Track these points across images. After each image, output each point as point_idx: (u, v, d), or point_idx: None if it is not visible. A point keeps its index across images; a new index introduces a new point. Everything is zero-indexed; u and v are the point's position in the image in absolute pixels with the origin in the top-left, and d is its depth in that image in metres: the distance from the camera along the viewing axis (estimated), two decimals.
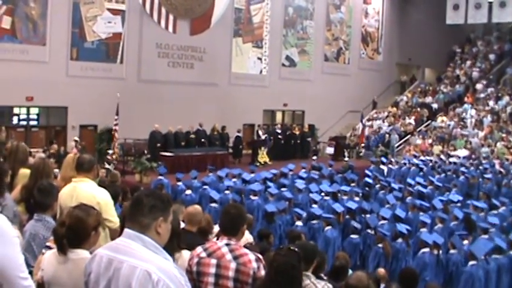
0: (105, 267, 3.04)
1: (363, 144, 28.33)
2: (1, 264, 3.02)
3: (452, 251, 10.47)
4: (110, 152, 20.46)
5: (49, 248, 3.93)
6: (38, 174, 5.61)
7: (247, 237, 8.96)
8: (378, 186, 17.70)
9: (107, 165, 19.96)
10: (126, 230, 3.08)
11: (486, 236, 11.49)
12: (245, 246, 4.55)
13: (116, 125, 20.08)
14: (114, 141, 20.39)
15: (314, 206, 13.66)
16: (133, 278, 2.90)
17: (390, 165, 22.75)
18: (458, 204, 15.29)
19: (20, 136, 21.02)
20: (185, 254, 4.72)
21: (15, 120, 22.45)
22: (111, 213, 5.30)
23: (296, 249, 4.07)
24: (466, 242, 10.93)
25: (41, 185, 4.84)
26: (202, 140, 23.88)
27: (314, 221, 12.49)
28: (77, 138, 21.17)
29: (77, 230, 3.63)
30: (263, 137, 25.24)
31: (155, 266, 2.92)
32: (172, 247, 4.01)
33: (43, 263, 3.74)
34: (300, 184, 16.22)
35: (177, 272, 3.00)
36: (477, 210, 14.24)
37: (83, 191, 5.25)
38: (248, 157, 24.97)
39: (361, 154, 27.68)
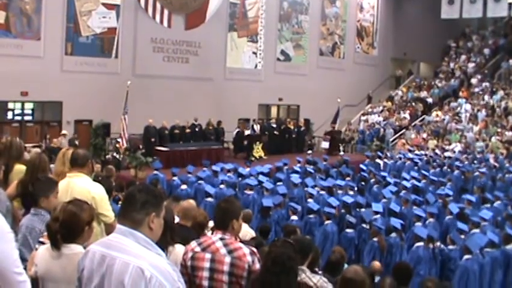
0: (98, 263, 3.04)
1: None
2: None
3: (451, 247, 10.51)
4: (119, 140, 20.37)
5: (42, 243, 3.93)
6: (34, 169, 5.61)
7: (250, 231, 8.98)
8: (372, 180, 17.72)
9: (115, 154, 20.02)
10: (119, 226, 3.08)
11: (479, 230, 11.53)
12: (241, 241, 4.56)
13: (124, 114, 20.03)
14: (122, 130, 20.20)
15: (310, 200, 13.72)
16: (126, 275, 2.91)
17: (385, 160, 22.80)
18: (451, 198, 15.35)
19: (15, 131, 21.03)
20: (178, 248, 4.73)
21: (9, 115, 22.42)
22: (106, 208, 5.30)
23: (291, 241, 4.11)
24: (462, 236, 10.95)
25: (39, 177, 4.89)
26: (197, 129, 23.90)
27: (310, 216, 12.51)
28: (65, 132, 21.18)
29: (71, 225, 3.63)
30: (248, 132, 25.11)
31: (148, 262, 2.93)
32: (165, 241, 4.02)
33: (36, 258, 3.74)
34: (296, 178, 16.24)
35: (170, 268, 3.00)
36: (471, 205, 14.29)
37: (77, 186, 5.24)
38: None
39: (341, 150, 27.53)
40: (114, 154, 20.35)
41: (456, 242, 10.56)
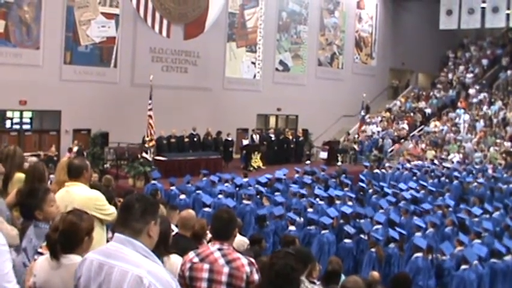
0: (96, 271, 3.05)
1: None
2: None
3: (443, 257, 10.51)
4: (147, 139, 20.13)
5: (41, 254, 3.91)
6: (33, 178, 5.59)
7: (244, 239, 8.96)
8: (371, 190, 17.72)
9: (144, 154, 19.79)
10: (117, 235, 3.10)
11: (479, 241, 11.55)
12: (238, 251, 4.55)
13: (150, 110, 19.89)
14: (150, 129, 19.94)
15: (310, 209, 13.72)
16: (125, 283, 2.91)
17: (383, 170, 22.81)
18: (450, 209, 15.36)
19: (13, 140, 21.03)
20: (174, 258, 4.72)
21: (8, 124, 22.37)
22: (107, 207, 5.30)
23: (293, 252, 4.11)
24: (460, 248, 10.92)
25: (34, 187, 4.85)
26: (195, 139, 23.94)
27: (311, 227, 12.47)
28: (76, 144, 21.46)
29: (70, 235, 3.61)
30: (246, 142, 25.15)
31: (146, 271, 2.93)
32: (159, 251, 4.01)
33: (35, 269, 3.72)
34: (295, 189, 16.25)
35: (169, 277, 3.01)
36: (470, 215, 14.31)
37: (76, 195, 5.22)
38: (237, 161, 25.10)
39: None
40: (144, 154, 19.89)
41: (446, 252, 10.57)
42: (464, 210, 14.81)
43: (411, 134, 31.11)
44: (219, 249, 4.20)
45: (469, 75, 35.64)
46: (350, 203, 14.94)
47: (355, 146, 27.70)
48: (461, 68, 37.19)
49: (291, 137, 27.33)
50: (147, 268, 2.95)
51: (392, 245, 10.84)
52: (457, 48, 40.06)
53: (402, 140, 30.27)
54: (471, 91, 33.83)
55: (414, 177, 20.85)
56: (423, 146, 29.12)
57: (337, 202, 15.15)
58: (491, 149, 27.01)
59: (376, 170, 22.48)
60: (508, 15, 33.25)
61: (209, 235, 6.62)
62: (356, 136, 28.45)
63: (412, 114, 33.28)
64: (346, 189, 17.51)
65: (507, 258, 10.73)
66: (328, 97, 31.77)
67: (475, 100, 32.81)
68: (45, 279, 3.64)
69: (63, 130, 23.34)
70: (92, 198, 5.23)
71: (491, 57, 37.06)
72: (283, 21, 31.37)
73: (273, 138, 26.61)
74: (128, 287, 2.91)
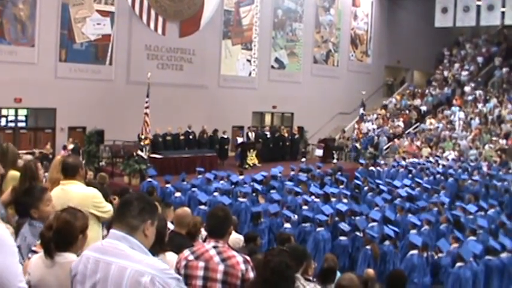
0: (92, 269, 3.04)
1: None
2: (0, 273, 3.01)
3: (440, 255, 10.54)
4: (142, 137, 20.08)
5: (35, 252, 3.90)
6: (27, 176, 5.58)
7: (239, 237, 8.95)
8: (366, 188, 17.74)
9: (139, 152, 19.73)
10: (113, 231, 3.09)
11: (475, 238, 11.57)
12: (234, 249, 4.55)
13: (147, 107, 19.79)
14: (146, 126, 19.91)
15: (305, 207, 13.73)
16: (124, 279, 2.91)
17: (379, 168, 22.84)
18: (445, 207, 15.39)
19: (8, 138, 20.95)
20: (169, 255, 4.72)
21: (3, 121, 22.35)
22: (104, 204, 5.32)
23: (287, 250, 4.11)
24: (455, 245, 10.94)
25: (29, 186, 4.84)
26: (190, 137, 23.94)
27: (306, 224, 12.49)
28: (72, 141, 21.38)
29: (65, 233, 3.60)
30: (241, 139, 25.13)
31: (146, 265, 2.93)
32: (155, 249, 4.01)
33: (30, 267, 3.71)
34: (291, 186, 16.26)
35: (167, 266, 3.04)
36: (465, 212, 14.34)
37: (74, 193, 5.21)
38: (233, 159, 25.08)
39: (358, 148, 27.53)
40: (139, 152, 19.82)
41: (442, 250, 10.59)
42: (459, 207, 14.87)
43: (406, 132, 31.14)
44: (214, 247, 4.19)
45: (464, 73, 35.66)
46: (345, 201, 14.98)
47: (357, 144, 27.57)
48: (457, 65, 37.19)
49: (286, 135, 27.30)
50: (146, 262, 2.96)
51: (387, 243, 10.85)
52: (453, 46, 40.08)
53: (398, 138, 30.28)
54: (466, 89, 33.86)
55: (409, 175, 20.86)
56: (418, 143, 29.13)
57: (333, 199, 15.17)
58: (487, 146, 27.04)
59: (372, 168, 22.52)
60: (503, 13, 33.29)
61: (204, 233, 6.64)
62: (356, 134, 28.40)
63: (407, 111, 33.31)
64: (341, 186, 17.52)
65: (502, 255, 10.76)
66: (323, 94, 31.76)
67: (470, 98, 32.83)
68: (40, 278, 3.62)
69: (59, 128, 23.31)
70: (89, 196, 5.24)
71: (487, 55, 37.11)
72: (279, 19, 31.36)
73: (268, 136, 26.60)
74: (128, 283, 2.90)
